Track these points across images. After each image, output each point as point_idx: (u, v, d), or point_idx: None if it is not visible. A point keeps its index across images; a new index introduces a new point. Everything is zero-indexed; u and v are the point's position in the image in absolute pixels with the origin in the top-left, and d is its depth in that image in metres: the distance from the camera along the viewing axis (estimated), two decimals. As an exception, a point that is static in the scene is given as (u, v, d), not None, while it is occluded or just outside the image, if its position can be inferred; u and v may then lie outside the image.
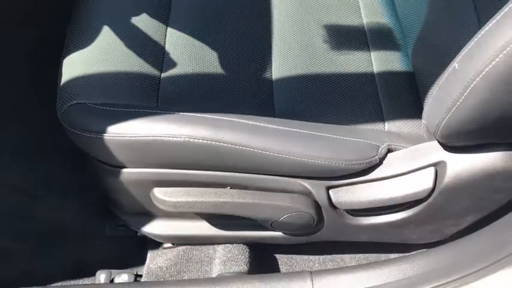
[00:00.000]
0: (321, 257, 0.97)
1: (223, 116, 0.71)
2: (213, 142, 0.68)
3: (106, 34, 0.79)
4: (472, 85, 0.57)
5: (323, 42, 0.91)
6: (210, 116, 0.70)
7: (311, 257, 0.96)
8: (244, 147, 0.70)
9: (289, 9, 0.93)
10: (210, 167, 0.73)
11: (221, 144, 0.69)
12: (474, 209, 0.80)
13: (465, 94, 0.58)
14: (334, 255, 0.97)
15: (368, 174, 0.76)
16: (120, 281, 0.90)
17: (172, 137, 0.68)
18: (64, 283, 0.92)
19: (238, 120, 0.71)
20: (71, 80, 0.75)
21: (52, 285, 0.92)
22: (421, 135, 0.79)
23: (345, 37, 0.92)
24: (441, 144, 0.72)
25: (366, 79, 0.88)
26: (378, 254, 0.98)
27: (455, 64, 0.61)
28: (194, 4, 0.88)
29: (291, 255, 0.97)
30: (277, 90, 0.83)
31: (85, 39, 0.78)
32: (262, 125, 0.73)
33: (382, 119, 0.84)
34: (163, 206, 0.76)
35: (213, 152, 0.69)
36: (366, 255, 0.97)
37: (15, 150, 1.06)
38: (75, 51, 0.77)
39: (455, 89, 0.60)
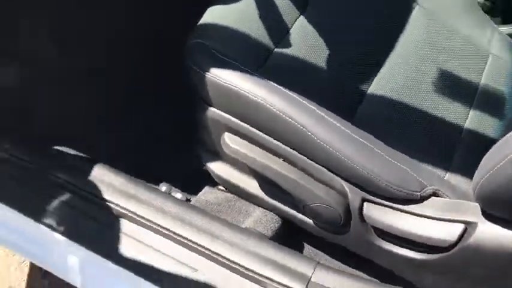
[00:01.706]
0: (340, 264, 1.03)
1: (300, 97, 0.81)
2: (281, 114, 0.80)
3: (249, 0, 0.95)
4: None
5: (431, 81, 0.96)
6: (291, 94, 0.81)
7: (331, 259, 1.03)
8: (307, 132, 0.80)
9: (418, 39, 0.99)
10: (271, 133, 0.84)
11: (288, 119, 0.80)
12: (491, 281, 0.81)
13: (505, 160, 0.62)
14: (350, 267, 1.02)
15: (404, 204, 0.82)
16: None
17: (252, 95, 0.80)
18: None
19: (310, 106, 0.81)
20: (204, 24, 0.91)
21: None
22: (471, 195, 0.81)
23: (454, 85, 0.96)
24: (481, 208, 0.75)
25: (453, 129, 0.92)
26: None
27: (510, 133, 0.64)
28: (331, 3, 0.99)
29: (316, 250, 1.05)
30: (366, 100, 0.91)
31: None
32: (332, 120, 0.82)
33: (447, 167, 0.87)
34: (226, 149, 0.90)
35: (278, 122, 0.81)
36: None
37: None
38: (220, 3, 0.94)
39: (499, 154, 0.63)
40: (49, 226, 0.95)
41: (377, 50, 0.97)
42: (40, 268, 1.34)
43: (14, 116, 1.11)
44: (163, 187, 1.09)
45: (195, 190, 1.10)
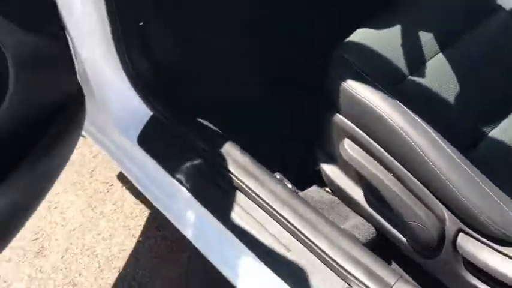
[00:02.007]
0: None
1: (420, 119, 0.89)
2: (400, 131, 0.88)
3: (396, 27, 1.04)
4: None
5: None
6: (413, 114, 0.89)
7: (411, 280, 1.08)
8: (421, 153, 0.87)
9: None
10: (388, 147, 0.93)
11: (405, 137, 0.88)
12: None
13: None
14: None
15: (500, 245, 0.85)
16: (285, 187, 1.19)
17: (377, 108, 0.90)
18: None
19: (428, 128, 0.88)
20: (351, 41, 1.03)
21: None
22: None
23: None
24: None
25: None
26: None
27: None
28: (471, 49, 1.05)
29: (400, 267, 1.10)
30: (486, 141, 0.96)
31: (381, 22, 1.04)
32: (446, 147, 0.88)
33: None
34: (343, 153, 1.00)
35: (396, 138, 0.89)
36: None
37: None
38: (369, 26, 1.05)
39: None
40: (180, 181, 1.12)
41: (506, 97, 1.01)
42: (156, 221, 1.55)
43: (178, 86, 1.32)
44: (277, 175, 1.22)
45: (303, 186, 1.21)
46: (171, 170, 1.15)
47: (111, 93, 1.20)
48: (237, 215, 1.05)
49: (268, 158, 1.16)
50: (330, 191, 1.18)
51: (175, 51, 1.36)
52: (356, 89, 0.94)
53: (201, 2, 1.39)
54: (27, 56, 0.84)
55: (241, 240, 1.03)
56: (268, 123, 1.37)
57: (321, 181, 1.18)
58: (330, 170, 1.13)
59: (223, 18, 1.44)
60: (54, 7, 0.91)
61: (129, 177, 1.35)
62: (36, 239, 1.51)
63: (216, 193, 1.09)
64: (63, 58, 0.95)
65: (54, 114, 0.94)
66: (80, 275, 1.46)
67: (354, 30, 1.05)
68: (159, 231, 1.54)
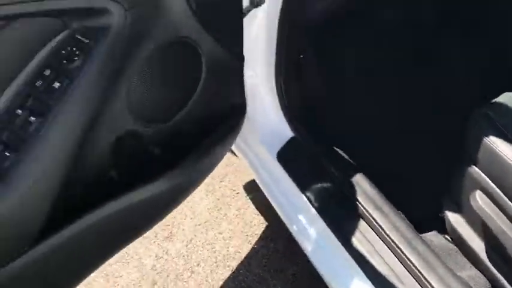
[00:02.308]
0: None
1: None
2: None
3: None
4: None
5: None
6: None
7: None
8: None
9: None
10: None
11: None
12: None
13: None
14: None
15: None
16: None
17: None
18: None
19: None
20: (498, 102, 1.08)
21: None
22: None
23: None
24: None
25: None
26: None
27: None
28: None
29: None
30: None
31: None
32: None
33: None
34: (474, 204, 1.04)
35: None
36: None
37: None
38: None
39: None
40: (308, 199, 1.24)
41: None
42: (271, 234, 1.68)
43: (321, 114, 1.45)
44: (400, 214, 1.28)
45: (424, 229, 1.26)
46: (302, 187, 1.26)
47: (262, 111, 1.36)
48: (358, 241, 1.14)
49: (394, 195, 1.22)
50: (450, 238, 1.21)
51: (323, 82, 1.50)
52: (497, 144, 0.98)
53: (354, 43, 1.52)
54: (215, 65, 1.01)
55: (358, 263, 1.11)
56: (399, 162, 1.44)
57: (442, 228, 1.22)
58: (454, 218, 1.16)
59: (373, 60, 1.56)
60: (241, 29, 1.08)
61: (261, 186, 1.49)
62: (168, 225, 1.72)
63: (341, 217, 1.19)
64: (238, 73, 1.12)
65: (220, 118, 1.11)
66: (198, 265, 1.62)
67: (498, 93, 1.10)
68: (272, 243, 1.66)
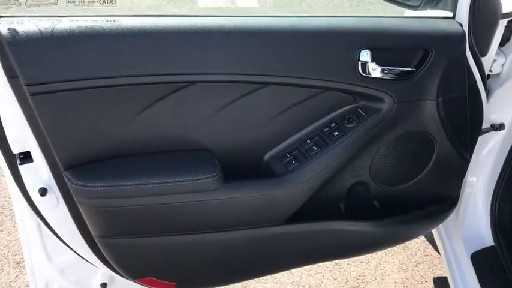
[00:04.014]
0: None
1: None
2: None
3: None
4: None
5: None
6: None
7: None
8: None
9: None
10: None
11: None
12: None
13: None
14: None
15: None
16: None
17: None
18: None
19: None
20: None
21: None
22: None
23: None
24: None
25: None
26: None
27: None
28: None
29: None
30: None
31: None
32: None
33: None
34: None
35: None
36: None
37: None
38: None
39: None
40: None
41: None
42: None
43: None
44: None
45: None
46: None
47: (472, 212, 1.59)
48: None
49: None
50: None
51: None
52: None
53: None
54: (443, 159, 1.34)
55: None
56: None
57: None
58: None
59: None
60: (474, 142, 1.38)
61: (449, 279, 1.69)
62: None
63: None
64: (461, 172, 1.41)
65: (434, 201, 1.41)
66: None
67: None
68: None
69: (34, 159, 1.08)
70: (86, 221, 1.12)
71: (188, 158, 1.15)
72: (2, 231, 2.25)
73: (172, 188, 1.09)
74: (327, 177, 1.25)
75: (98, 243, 1.16)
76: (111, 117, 1.05)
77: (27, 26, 0.95)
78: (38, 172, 1.09)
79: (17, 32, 0.93)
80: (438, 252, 2.13)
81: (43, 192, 1.09)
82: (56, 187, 1.11)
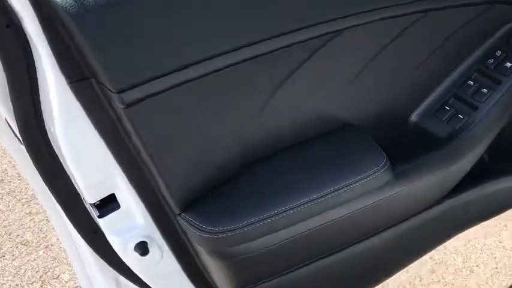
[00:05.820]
0: None
1: None
2: None
3: None
4: None
5: None
6: None
7: None
8: None
9: None
10: None
11: None
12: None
13: None
14: None
15: None
16: None
17: None
18: None
19: None
20: None
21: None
22: None
23: None
24: None
25: None
26: None
27: None
28: None
29: None
30: None
31: None
32: None
33: None
34: None
35: None
36: None
37: None
38: None
39: None
40: None
41: None
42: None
43: None
44: None
45: None
46: None
47: None
48: None
49: None
50: None
51: None
52: None
53: None
54: None
55: None
56: None
57: None
58: None
59: None
60: None
61: None
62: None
63: None
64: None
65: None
66: (476, 266, 1.64)
67: None
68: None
69: (121, 204, 0.66)
70: (216, 275, 0.74)
71: (336, 146, 0.77)
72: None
73: (337, 198, 0.72)
74: (500, 122, 0.90)
75: None
76: (233, 113, 0.65)
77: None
78: (128, 221, 0.68)
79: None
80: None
81: (144, 249, 0.69)
82: (160, 236, 0.71)
